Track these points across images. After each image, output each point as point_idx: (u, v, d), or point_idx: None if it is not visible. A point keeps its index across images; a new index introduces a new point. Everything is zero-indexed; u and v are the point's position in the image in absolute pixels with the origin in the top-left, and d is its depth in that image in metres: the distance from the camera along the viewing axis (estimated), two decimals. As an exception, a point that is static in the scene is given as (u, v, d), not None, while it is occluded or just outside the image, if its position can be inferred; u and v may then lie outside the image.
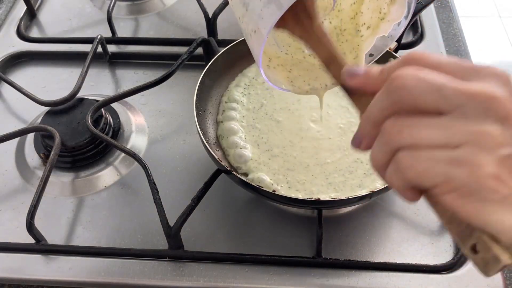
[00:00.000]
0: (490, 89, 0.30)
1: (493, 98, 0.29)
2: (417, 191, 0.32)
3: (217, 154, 0.61)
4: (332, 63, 0.38)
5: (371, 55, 0.54)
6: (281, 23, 0.44)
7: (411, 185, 0.31)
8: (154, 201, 0.59)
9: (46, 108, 0.72)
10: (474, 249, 0.30)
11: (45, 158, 0.68)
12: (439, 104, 0.30)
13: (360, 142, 0.35)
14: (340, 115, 0.65)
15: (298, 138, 0.63)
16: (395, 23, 0.49)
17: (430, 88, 0.30)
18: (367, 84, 0.35)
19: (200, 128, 0.60)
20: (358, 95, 0.36)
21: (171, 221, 0.58)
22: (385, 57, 0.69)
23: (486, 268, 0.30)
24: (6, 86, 0.78)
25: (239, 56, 0.68)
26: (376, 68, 0.34)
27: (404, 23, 0.49)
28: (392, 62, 0.34)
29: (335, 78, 0.38)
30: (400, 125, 0.31)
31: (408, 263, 0.57)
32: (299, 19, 0.42)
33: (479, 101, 0.29)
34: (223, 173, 0.60)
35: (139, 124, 0.73)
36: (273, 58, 0.51)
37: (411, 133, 0.31)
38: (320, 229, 0.58)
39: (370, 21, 0.51)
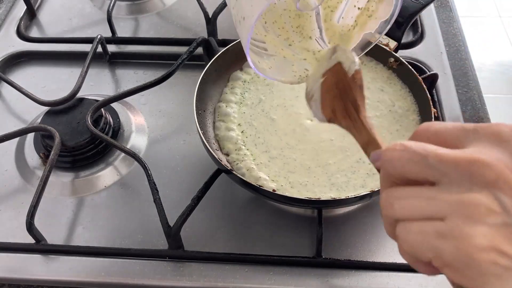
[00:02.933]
0: (475, 154, 0.29)
1: (477, 163, 0.28)
2: (430, 265, 0.31)
3: (217, 154, 0.61)
4: (369, 145, 0.40)
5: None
6: (330, 116, 0.46)
7: (415, 258, 0.31)
8: (154, 201, 0.59)
9: (46, 108, 0.71)
10: None
11: (45, 158, 0.68)
12: (425, 174, 0.30)
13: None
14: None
15: (295, 140, 0.62)
16: (382, 20, 0.50)
17: (414, 159, 0.30)
18: None
19: (200, 128, 0.60)
20: None
21: (171, 221, 0.58)
22: (385, 57, 0.69)
23: None
24: (6, 86, 0.78)
25: (239, 56, 0.68)
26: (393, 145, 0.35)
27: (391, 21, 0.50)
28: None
29: (368, 157, 0.40)
30: (391, 197, 0.32)
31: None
32: (348, 110, 0.43)
33: (463, 167, 0.29)
34: (223, 173, 0.60)
35: (139, 124, 0.73)
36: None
37: (400, 206, 0.31)
38: (320, 229, 0.58)
39: (358, 18, 0.51)
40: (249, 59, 0.45)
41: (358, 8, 0.51)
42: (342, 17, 0.52)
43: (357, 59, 0.45)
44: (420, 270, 0.32)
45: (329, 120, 0.46)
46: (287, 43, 0.51)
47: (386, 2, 0.49)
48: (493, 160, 0.29)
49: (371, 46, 0.53)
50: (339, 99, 0.45)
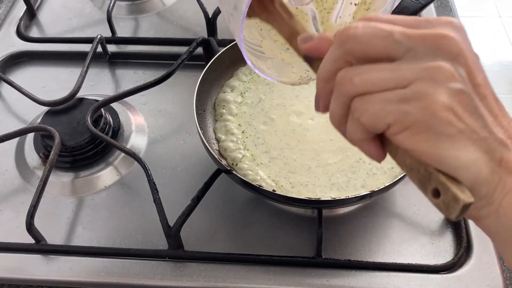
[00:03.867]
0: (440, 30, 0.30)
1: (443, 37, 0.30)
2: (378, 144, 0.32)
3: (217, 154, 0.61)
4: (294, 38, 0.38)
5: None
6: (251, 12, 0.44)
7: (369, 134, 0.31)
8: (154, 201, 0.58)
9: (46, 108, 0.71)
10: (435, 194, 0.30)
11: (45, 158, 0.68)
12: (389, 49, 0.30)
13: (318, 103, 0.35)
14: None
15: (295, 140, 0.62)
16: (380, 10, 0.49)
17: (380, 34, 0.30)
18: (322, 47, 0.35)
19: (200, 128, 0.60)
20: (317, 61, 0.35)
21: (171, 221, 0.58)
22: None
23: (448, 211, 0.29)
24: (6, 86, 0.78)
25: (239, 55, 0.68)
26: (331, 33, 0.34)
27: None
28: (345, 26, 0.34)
29: (296, 51, 0.39)
30: (352, 73, 0.31)
31: (408, 263, 0.57)
32: (264, 5, 0.42)
33: (429, 41, 0.30)
34: (223, 172, 0.60)
35: (139, 124, 0.73)
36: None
37: (362, 79, 0.30)
38: (320, 229, 0.58)
39: (355, 14, 0.51)
40: (245, 55, 0.44)
41: (355, 5, 0.50)
42: (340, 17, 0.51)
43: None
44: (371, 151, 0.32)
45: (250, 15, 0.45)
46: (285, 48, 0.51)
47: None
48: (455, 36, 0.30)
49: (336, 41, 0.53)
50: None
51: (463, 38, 0.30)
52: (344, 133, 0.34)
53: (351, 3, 0.50)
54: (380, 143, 0.32)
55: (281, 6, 0.41)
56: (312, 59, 0.37)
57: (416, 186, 0.31)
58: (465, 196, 0.28)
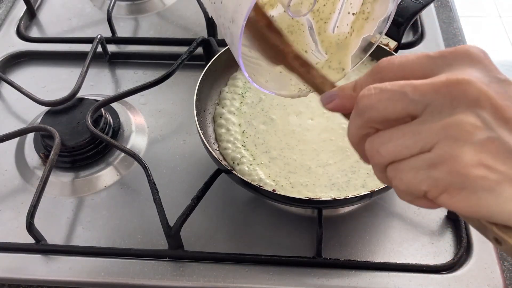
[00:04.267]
0: (452, 76, 0.29)
1: (457, 84, 0.28)
2: (426, 199, 0.31)
3: (217, 154, 0.61)
4: (317, 91, 0.39)
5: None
6: (274, 60, 0.44)
7: (413, 195, 0.31)
8: (154, 201, 0.59)
9: (46, 108, 0.71)
10: (497, 241, 0.29)
11: (45, 158, 0.68)
12: (408, 110, 0.30)
13: (330, 100, 0.35)
14: (342, 114, 0.64)
15: (295, 141, 0.62)
16: (380, 20, 0.48)
17: (394, 98, 0.30)
18: (345, 105, 0.35)
19: (200, 128, 0.60)
20: (346, 114, 0.36)
21: (171, 221, 0.58)
22: (386, 57, 0.69)
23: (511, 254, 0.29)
24: (6, 86, 0.78)
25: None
26: (350, 85, 0.34)
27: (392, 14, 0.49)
28: (362, 76, 0.33)
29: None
30: (377, 144, 0.31)
31: (408, 263, 0.57)
32: (281, 59, 0.42)
33: (444, 93, 0.28)
34: (223, 172, 0.60)
35: (139, 124, 0.73)
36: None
37: (388, 150, 0.30)
38: (320, 229, 0.58)
39: (354, 24, 0.50)
40: (243, 69, 0.44)
41: (353, 14, 0.49)
42: (337, 26, 0.50)
43: None
44: (422, 205, 0.32)
45: (277, 64, 0.45)
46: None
47: (382, 0, 0.47)
48: (471, 78, 0.28)
49: (374, 47, 0.52)
50: (267, 47, 0.44)
51: (482, 72, 0.29)
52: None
53: (348, 13, 0.49)
54: (427, 199, 0.31)
55: (296, 60, 0.41)
56: (342, 113, 0.37)
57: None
58: None
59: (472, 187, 0.28)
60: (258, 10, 0.44)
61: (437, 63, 0.30)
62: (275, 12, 0.50)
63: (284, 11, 0.47)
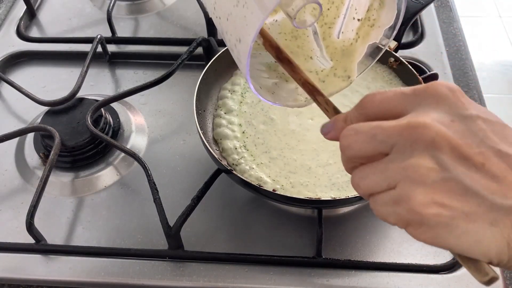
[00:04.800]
0: (413, 119, 0.31)
1: (416, 128, 0.31)
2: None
3: (217, 154, 0.61)
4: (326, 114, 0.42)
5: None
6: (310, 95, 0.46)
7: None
8: (154, 201, 0.59)
9: (46, 108, 0.71)
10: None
11: (45, 158, 0.68)
12: (379, 148, 0.33)
13: (328, 131, 0.39)
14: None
15: (295, 141, 0.62)
16: (386, 27, 0.48)
17: (365, 140, 0.33)
18: (338, 135, 0.37)
19: (200, 128, 0.60)
20: None
21: (171, 221, 0.58)
22: (385, 57, 0.69)
23: (480, 279, 0.31)
24: (6, 86, 0.78)
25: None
26: (341, 117, 0.37)
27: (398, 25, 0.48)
28: (352, 109, 0.36)
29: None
30: (357, 179, 0.34)
31: (408, 263, 0.57)
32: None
33: (405, 135, 0.31)
34: (223, 172, 0.60)
35: (139, 124, 0.73)
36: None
37: (364, 184, 0.34)
38: (320, 229, 0.58)
39: (359, 30, 0.49)
40: (250, 84, 0.44)
41: (358, 20, 0.49)
42: (342, 32, 0.50)
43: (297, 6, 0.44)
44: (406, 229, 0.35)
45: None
46: None
47: (388, 7, 0.46)
48: (428, 121, 0.31)
49: (381, 53, 0.52)
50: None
51: (444, 112, 0.31)
52: None
53: (353, 18, 0.49)
54: None
55: (304, 86, 0.44)
56: None
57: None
58: (483, 275, 0.30)
59: (428, 224, 0.30)
60: (266, 40, 0.46)
61: (410, 101, 0.33)
62: (278, 17, 0.50)
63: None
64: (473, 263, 0.31)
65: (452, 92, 0.32)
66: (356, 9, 0.49)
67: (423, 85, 0.33)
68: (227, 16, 0.43)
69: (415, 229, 0.31)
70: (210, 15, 0.47)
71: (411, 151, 0.31)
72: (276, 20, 0.50)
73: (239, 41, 0.42)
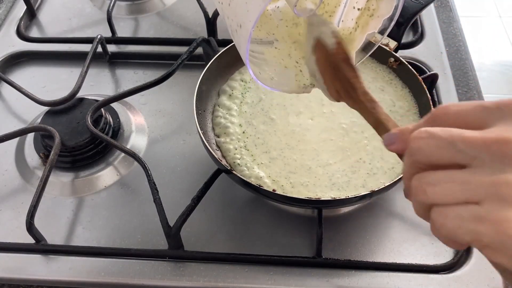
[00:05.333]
0: (504, 133, 0.29)
1: (506, 143, 0.28)
2: (465, 244, 0.31)
3: (217, 154, 0.61)
4: (379, 126, 0.40)
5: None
6: (335, 94, 0.45)
7: (451, 240, 0.31)
8: (154, 201, 0.59)
9: (46, 108, 0.71)
10: None
11: (45, 158, 0.68)
12: (455, 158, 0.30)
13: (406, 194, 0.36)
14: (343, 114, 0.64)
15: (295, 141, 0.62)
16: (384, 18, 0.48)
17: (442, 145, 0.30)
18: (404, 148, 0.35)
19: (200, 128, 0.60)
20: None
21: (171, 221, 0.58)
22: (385, 57, 0.69)
23: None
24: (6, 86, 0.78)
25: (239, 56, 0.68)
26: (409, 129, 0.34)
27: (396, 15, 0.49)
28: (420, 121, 0.34)
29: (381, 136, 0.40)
30: (424, 183, 0.31)
31: (408, 263, 0.57)
32: (348, 92, 0.43)
33: (493, 149, 0.29)
34: (223, 172, 0.60)
35: (139, 124, 0.73)
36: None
37: (434, 191, 0.31)
38: (320, 229, 0.58)
39: (359, 20, 0.50)
40: (249, 69, 0.44)
41: (358, 9, 0.49)
42: (342, 21, 0.50)
43: (333, 27, 0.43)
44: (454, 248, 0.33)
45: (338, 100, 0.45)
46: (287, 53, 0.50)
47: None
48: None
49: (375, 48, 0.52)
50: (335, 78, 0.44)
51: None
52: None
53: (354, 8, 0.49)
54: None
55: (364, 95, 0.42)
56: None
57: None
58: None
59: None
60: (339, 44, 0.44)
61: (492, 114, 0.31)
62: (280, 3, 0.50)
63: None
64: None
65: None
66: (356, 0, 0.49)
67: (507, 99, 0.30)
68: (229, 2, 0.43)
69: (495, 252, 0.29)
70: (213, 1, 0.47)
71: (502, 166, 0.28)
72: (278, 7, 0.50)
73: (240, 26, 0.42)
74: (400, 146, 0.35)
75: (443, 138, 0.30)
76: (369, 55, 0.69)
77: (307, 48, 0.47)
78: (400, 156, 0.36)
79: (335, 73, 0.44)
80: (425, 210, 0.32)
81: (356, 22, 0.50)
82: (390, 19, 0.49)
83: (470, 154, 0.29)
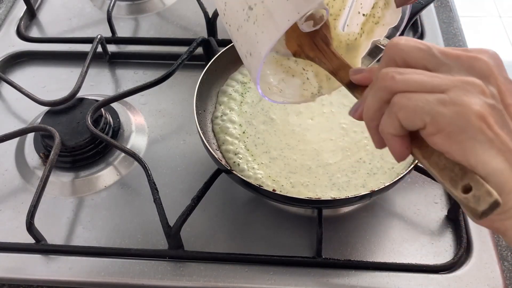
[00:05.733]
0: (474, 53, 0.33)
1: (476, 59, 0.33)
2: (406, 143, 0.34)
3: (217, 154, 0.61)
4: (340, 70, 0.43)
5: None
6: (294, 48, 0.47)
7: (402, 130, 0.33)
8: (154, 201, 0.59)
9: (46, 108, 0.71)
10: (465, 190, 0.31)
11: (45, 158, 0.68)
12: (426, 61, 0.33)
13: (357, 108, 0.38)
14: (344, 114, 0.64)
15: (295, 141, 0.62)
16: (390, 27, 0.49)
17: (419, 47, 0.34)
18: (371, 77, 0.38)
19: (200, 128, 0.60)
20: (361, 88, 0.40)
21: (171, 221, 0.58)
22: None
23: (478, 205, 0.30)
24: (6, 86, 0.78)
25: (239, 56, 0.68)
26: (375, 67, 0.37)
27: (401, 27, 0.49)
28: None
29: (341, 81, 0.43)
30: (394, 71, 0.34)
31: (408, 263, 0.57)
32: (317, 43, 0.46)
33: (463, 60, 0.33)
34: (223, 172, 0.60)
35: (139, 124, 0.73)
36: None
37: (404, 78, 0.33)
38: (320, 229, 0.58)
39: (364, 26, 0.50)
40: (259, 89, 0.45)
41: (363, 15, 0.49)
42: (347, 25, 0.51)
43: (324, 4, 0.46)
44: (396, 147, 0.35)
45: (294, 54, 0.48)
46: (293, 60, 0.50)
47: (393, 9, 0.48)
48: (488, 59, 0.33)
49: (381, 54, 0.52)
50: (306, 36, 0.47)
51: (496, 64, 0.33)
52: (372, 128, 0.36)
53: (359, 13, 0.50)
54: (408, 143, 0.34)
55: (333, 48, 0.46)
56: (356, 86, 0.41)
57: (444, 185, 0.33)
58: (497, 194, 0.30)
59: (468, 135, 0.31)
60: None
61: (460, 49, 0.34)
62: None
63: None
64: (480, 186, 0.31)
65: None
66: (361, 4, 0.49)
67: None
68: (237, 27, 0.43)
69: (448, 137, 0.31)
70: (220, 18, 0.47)
71: (466, 74, 0.32)
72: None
73: (250, 54, 0.43)
74: (367, 75, 0.39)
75: (423, 42, 0.34)
76: (371, 57, 0.69)
77: None
78: (353, 86, 0.41)
79: (310, 32, 0.46)
80: (383, 99, 0.34)
81: (362, 28, 0.50)
82: (396, 28, 0.49)
83: (441, 61, 0.33)
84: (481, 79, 0.32)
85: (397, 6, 0.47)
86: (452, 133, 0.31)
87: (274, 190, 0.57)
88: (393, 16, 0.48)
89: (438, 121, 0.31)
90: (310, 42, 0.46)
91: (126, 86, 0.77)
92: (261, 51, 0.41)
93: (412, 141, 0.35)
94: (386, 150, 0.36)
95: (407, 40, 0.35)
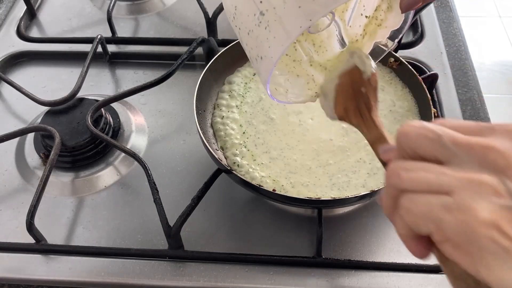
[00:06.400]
0: (490, 142, 0.29)
1: (490, 149, 0.29)
2: (422, 243, 0.31)
3: (217, 154, 0.61)
4: (376, 142, 0.42)
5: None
6: (341, 113, 0.47)
7: (413, 232, 0.31)
8: (154, 201, 0.59)
9: (46, 108, 0.72)
10: None
11: (45, 158, 0.68)
12: (436, 152, 0.31)
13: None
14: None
15: (295, 141, 0.62)
16: (392, 29, 0.49)
17: (429, 136, 0.31)
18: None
19: (200, 128, 0.60)
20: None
21: (171, 221, 0.58)
22: (385, 57, 0.69)
23: None
24: (6, 86, 0.78)
25: (239, 55, 0.68)
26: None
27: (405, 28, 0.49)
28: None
29: (377, 155, 0.42)
30: (400, 167, 0.32)
31: (408, 263, 0.57)
32: (360, 109, 0.45)
33: (476, 151, 0.29)
34: (223, 172, 0.60)
35: (139, 124, 0.73)
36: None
37: (408, 176, 0.31)
38: (320, 229, 0.58)
39: (366, 27, 0.50)
40: (268, 91, 0.45)
41: (366, 17, 0.50)
42: (350, 26, 0.51)
43: (373, 64, 0.46)
44: (412, 248, 0.32)
45: (340, 118, 0.48)
46: (297, 60, 0.51)
47: (396, 12, 0.48)
48: (506, 149, 0.29)
49: (384, 54, 0.53)
50: (352, 99, 0.46)
51: None
52: (393, 221, 0.34)
53: (361, 15, 0.50)
54: (425, 243, 0.31)
55: (376, 116, 0.45)
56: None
57: None
58: None
59: (479, 246, 0.27)
60: (374, 76, 0.47)
61: (483, 129, 0.31)
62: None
63: None
64: None
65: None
66: (364, 6, 0.49)
67: (502, 123, 0.31)
68: (248, 31, 0.44)
69: (455, 247, 0.28)
70: (229, 21, 0.47)
71: (479, 168, 0.29)
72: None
73: (261, 58, 0.43)
74: (393, 154, 0.36)
75: (432, 129, 0.31)
76: (369, 56, 0.69)
77: (335, 71, 0.49)
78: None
79: (356, 95, 0.46)
80: (393, 199, 0.32)
81: (364, 30, 0.50)
82: (399, 30, 0.49)
83: (452, 151, 0.30)
84: (495, 174, 0.28)
85: (403, 12, 0.46)
86: (460, 244, 0.28)
87: (274, 190, 0.57)
88: (396, 19, 0.48)
89: (443, 229, 0.28)
90: (355, 108, 0.46)
91: (126, 86, 0.77)
92: (273, 55, 0.41)
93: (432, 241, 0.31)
94: None
95: (417, 128, 0.32)
